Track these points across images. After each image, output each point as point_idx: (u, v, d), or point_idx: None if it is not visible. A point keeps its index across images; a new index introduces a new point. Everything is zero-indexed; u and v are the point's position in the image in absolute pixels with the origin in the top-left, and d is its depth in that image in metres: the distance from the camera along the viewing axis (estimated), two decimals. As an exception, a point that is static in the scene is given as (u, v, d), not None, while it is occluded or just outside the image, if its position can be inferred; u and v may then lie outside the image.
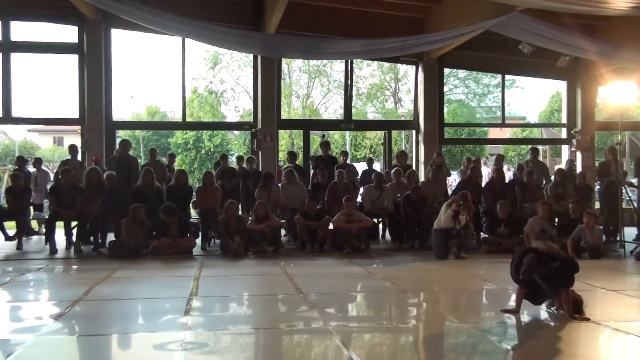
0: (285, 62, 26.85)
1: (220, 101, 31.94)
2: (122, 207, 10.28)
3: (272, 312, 6.27)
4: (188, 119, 21.87)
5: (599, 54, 12.37)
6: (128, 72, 33.36)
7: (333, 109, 31.24)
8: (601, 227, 10.42)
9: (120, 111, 39.49)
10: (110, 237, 10.65)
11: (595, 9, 9.19)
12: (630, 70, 12.57)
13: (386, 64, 27.85)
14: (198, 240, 10.75)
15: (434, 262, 9.49)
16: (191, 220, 11.61)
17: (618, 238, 10.70)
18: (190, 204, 11.67)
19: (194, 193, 11.67)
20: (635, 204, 11.74)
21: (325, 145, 13.74)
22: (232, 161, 13.66)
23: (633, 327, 5.38)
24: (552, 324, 5.83)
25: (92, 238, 10.67)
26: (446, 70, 18.58)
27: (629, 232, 11.02)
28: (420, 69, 15.28)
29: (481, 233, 11.18)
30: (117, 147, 13.37)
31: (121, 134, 20.31)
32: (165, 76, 41.19)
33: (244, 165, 13.04)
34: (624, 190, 10.89)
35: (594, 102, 16.03)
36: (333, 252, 10.35)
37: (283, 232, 11.67)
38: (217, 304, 6.66)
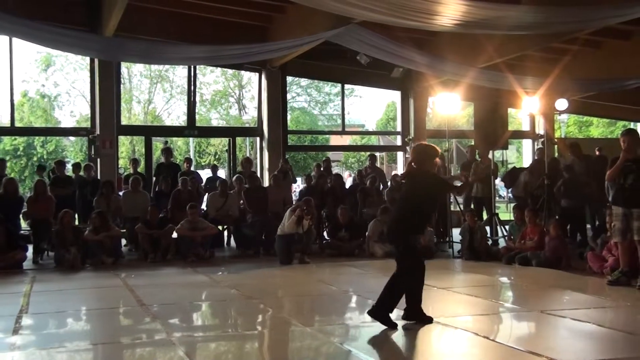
0: (125, 66, 25.84)
1: (53, 105, 30.03)
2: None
3: (112, 326, 6.01)
4: (17, 124, 20.26)
5: (427, 67, 13.26)
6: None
7: (176, 115, 30.57)
8: (432, 229, 11.15)
9: None
10: None
11: (424, 24, 9.82)
12: (455, 83, 13.59)
13: (230, 71, 27.75)
14: (29, 253, 10.02)
15: (278, 267, 9.62)
16: (21, 232, 10.82)
17: (447, 239, 11.54)
18: (21, 215, 10.88)
19: (24, 203, 10.90)
20: (461, 207, 12.69)
21: (166, 152, 13.39)
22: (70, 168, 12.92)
23: (460, 321, 5.85)
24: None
25: None
26: (289, 79, 18.92)
27: (457, 233, 11.91)
28: (263, 77, 15.43)
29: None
30: None
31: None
32: (-11, 77, 37.88)
33: (81, 173, 12.37)
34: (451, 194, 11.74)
35: (425, 111, 17.12)
36: (177, 261, 10.14)
37: (124, 242, 11.25)
38: (51, 320, 6.25)
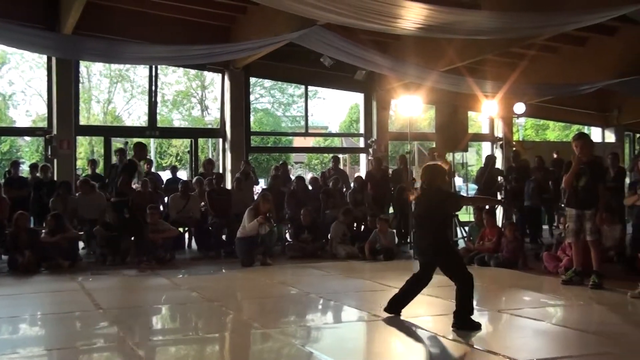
0: (83, 65, 25.35)
1: (8, 104, 29.28)
2: None
3: (68, 331, 5.88)
4: (-30, 123, 19.77)
5: (390, 69, 13.38)
6: None
7: (137, 116, 30.14)
8: (394, 230, 11.24)
9: None
10: None
11: (387, 27, 9.90)
12: (417, 86, 13.73)
13: (192, 71, 27.50)
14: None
15: (240, 270, 9.56)
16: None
17: (409, 240, 11.64)
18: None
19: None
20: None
21: (120, 152, 13.13)
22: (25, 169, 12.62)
23: (421, 322, 5.89)
24: (352, 323, 6.19)
25: None
26: (252, 80, 18.86)
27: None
28: (226, 77, 15.33)
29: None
30: None
31: None
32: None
33: (38, 174, 12.10)
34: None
35: (388, 114, 17.24)
36: (136, 263, 9.98)
37: (81, 244, 11.04)
38: (4, 325, 6.08)
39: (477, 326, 5.54)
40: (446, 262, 5.79)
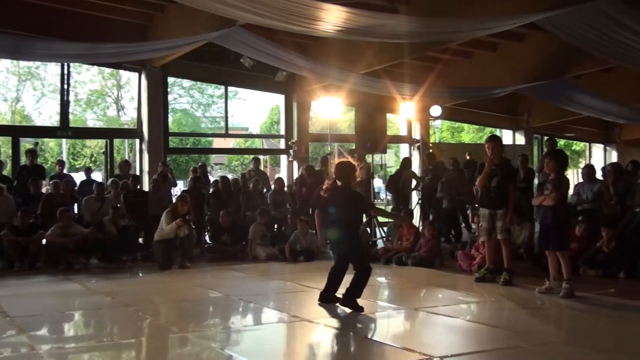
0: (-11, 62, 24.17)
1: None
2: None
3: (-28, 341, 5.56)
4: None
5: (310, 71, 13.45)
6: None
7: (48, 115, 28.94)
8: (314, 231, 11.28)
9: None
10: None
11: (306, 29, 9.93)
12: (337, 88, 13.87)
13: (107, 70, 26.68)
14: None
15: (158, 273, 9.35)
16: None
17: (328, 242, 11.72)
18: None
19: None
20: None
21: (31, 153, 12.56)
22: None
23: (339, 321, 5.96)
24: (271, 325, 6.18)
25: None
26: (171, 79, 18.47)
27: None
28: (143, 77, 14.94)
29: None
30: None
31: None
32: None
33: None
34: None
35: (308, 115, 17.31)
36: (47, 269, 9.59)
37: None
38: None
39: (360, 309, 6.18)
40: (355, 256, 6.43)
